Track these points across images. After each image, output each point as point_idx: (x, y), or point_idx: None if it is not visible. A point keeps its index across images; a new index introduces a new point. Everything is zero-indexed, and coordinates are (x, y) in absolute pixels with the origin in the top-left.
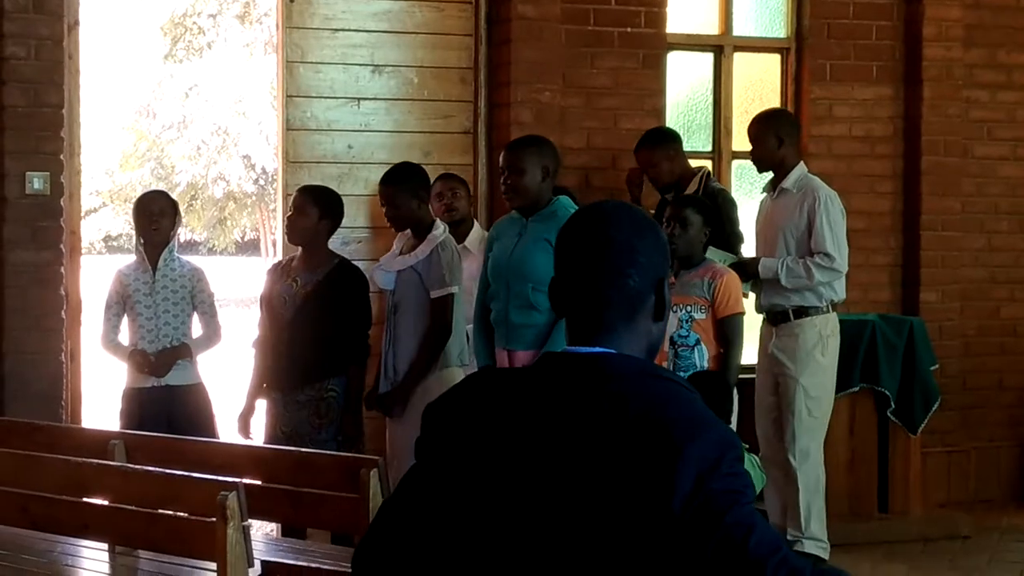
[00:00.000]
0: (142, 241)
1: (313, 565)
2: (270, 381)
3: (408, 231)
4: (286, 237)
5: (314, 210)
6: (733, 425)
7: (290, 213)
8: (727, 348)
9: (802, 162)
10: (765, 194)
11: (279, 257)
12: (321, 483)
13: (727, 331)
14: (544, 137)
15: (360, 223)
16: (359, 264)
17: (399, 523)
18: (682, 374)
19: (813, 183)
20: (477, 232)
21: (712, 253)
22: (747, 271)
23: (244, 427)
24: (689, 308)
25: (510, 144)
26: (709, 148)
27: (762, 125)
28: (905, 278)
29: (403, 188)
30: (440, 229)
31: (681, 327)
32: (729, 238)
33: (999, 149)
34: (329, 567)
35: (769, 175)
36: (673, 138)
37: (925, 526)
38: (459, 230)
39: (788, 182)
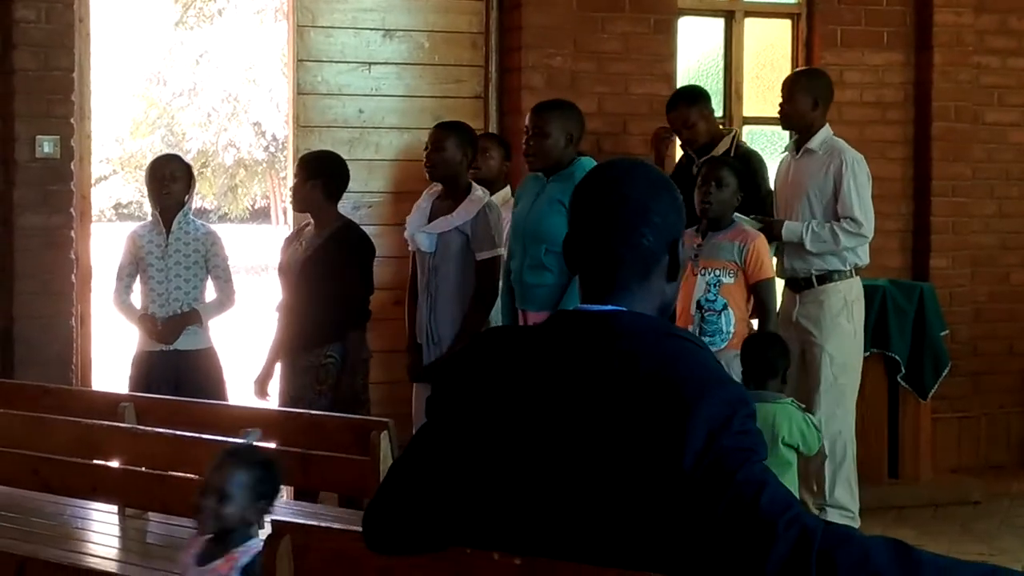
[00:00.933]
0: (155, 205)
1: (323, 525)
2: (280, 346)
3: (436, 190)
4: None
5: (302, 173)
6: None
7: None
8: (762, 313)
9: (828, 125)
10: (786, 154)
11: (289, 225)
12: (331, 445)
13: (762, 295)
14: (571, 102)
15: (372, 187)
16: (372, 228)
17: (411, 481)
18: (708, 339)
19: (839, 145)
20: (506, 195)
21: (738, 219)
22: (771, 234)
23: (261, 390)
24: (718, 272)
25: (537, 106)
26: (720, 114)
27: (801, 83)
28: (916, 244)
29: (457, 137)
30: (481, 191)
31: (709, 291)
32: (765, 199)
33: (1010, 115)
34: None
35: (783, 139)
36: (707, 97)
37: (935, 491)
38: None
39: (814, 143)
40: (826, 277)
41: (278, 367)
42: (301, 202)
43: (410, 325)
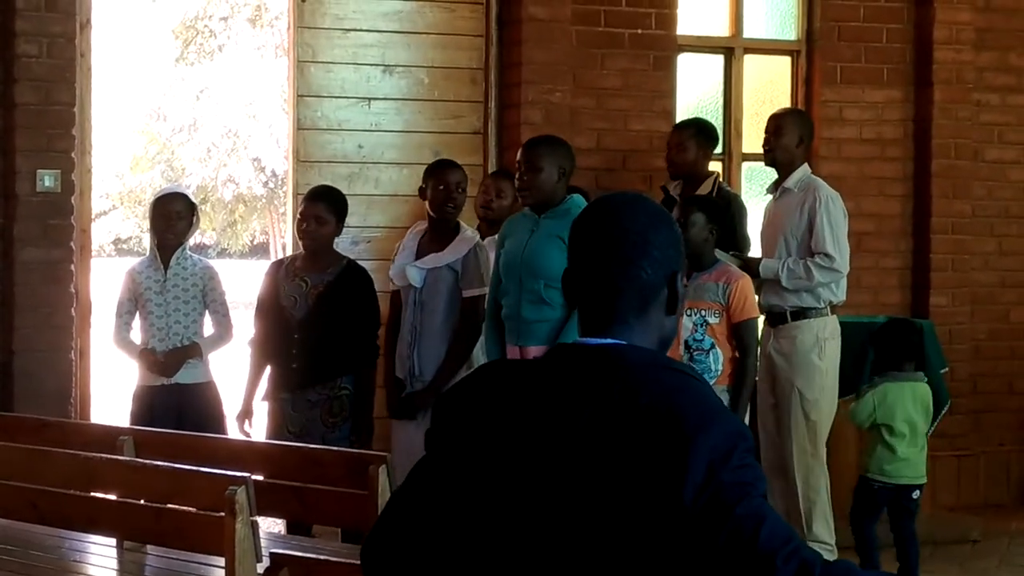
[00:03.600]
0: (156, 241)
1: (321, 557)
2: (277, 382)
3: (421, 229)
4: (302, 243)
5: (332, 218)
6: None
7: (303, 222)
8: (743, 353)
9: (806, 163)
10: (769, 196)
11: None
12: (329, 479)
13: (744, 335)
14: (561, 138)
15: (371, 222)
16: (370, 263)
17: (408, 514)
18: None
19: (815, 183)
20: None
21: (719, 255)
22: (749, 271)
23: (242, 428)
24: (703, 312)
25: (528, 142)
26: (719, 150)
27: (789, 120)
28: (915, 281)
29: (463, 177)
30: (471, 231)
31: (696, 331)
32: (739, 241)
33: (1010, 152)
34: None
35: (771, 176)
36: (713, 137)
37: (935, 529)
38: (494, 230)
39: (791, 182)
40: (800, 313)
41: (260, 405)
42: (321, 243)
43: (388, 361)
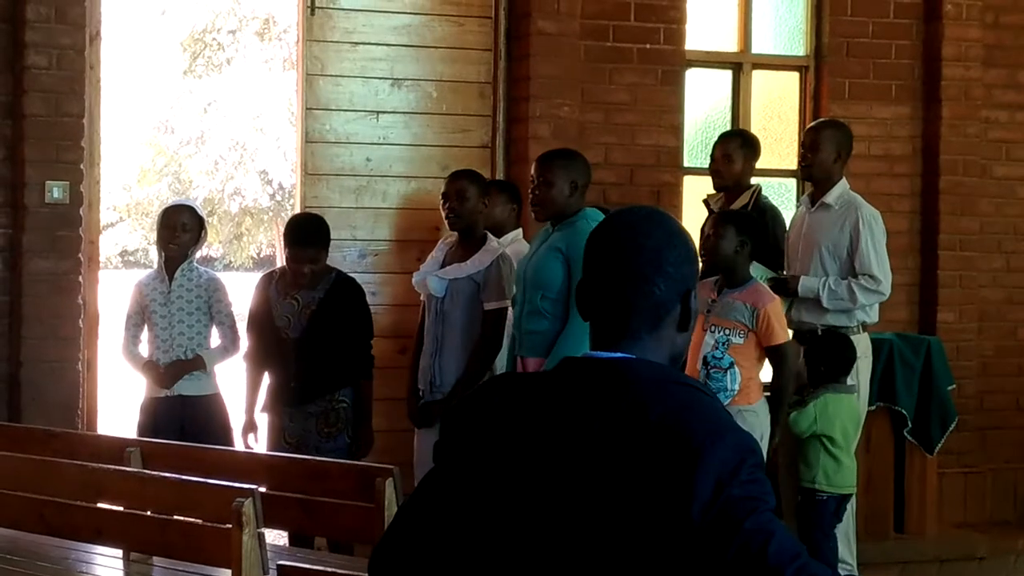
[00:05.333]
0: (162, 252)
1: (328, 569)
2: (276, 396)
3: (452, 240)
4: (294, 280)
5: (323, 255)
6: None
7: (300, 266)
8: (777, 376)
9: (845, 179)
10: (801, 207)
11: None
12: (336, 492)
13: (776, 360)
14: (577, 151)
15: (378, 236)
16: (377, 276)
17: (417, 526)
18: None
19: (856, 200)
20: (516, 236)
21: (754, 268)
22: (787, 289)
23: (246, 442)
24: (728, 331)
25: (542, 155)
26: None
27: (827, 134)
28: (923, 297)
29: (478, 187)
30: (496, 243)
31: (716, 348)
32: (775, 255)
33: (1018, 169)
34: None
35: (791, 190)
36: (757, 148)
37: (941, 547)
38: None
39: (831, 197)
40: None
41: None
42: (313, 275)
43: (412, 371)
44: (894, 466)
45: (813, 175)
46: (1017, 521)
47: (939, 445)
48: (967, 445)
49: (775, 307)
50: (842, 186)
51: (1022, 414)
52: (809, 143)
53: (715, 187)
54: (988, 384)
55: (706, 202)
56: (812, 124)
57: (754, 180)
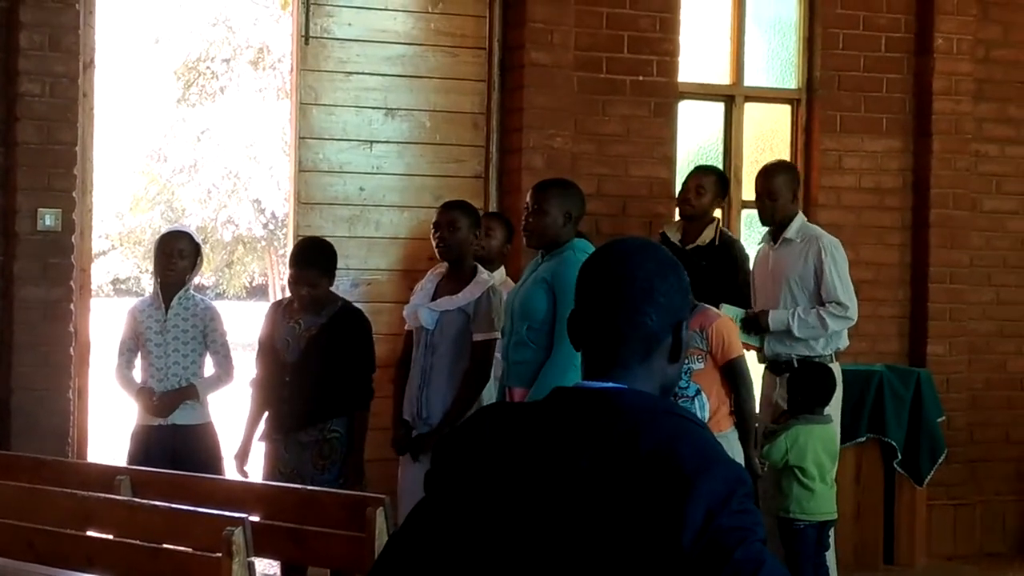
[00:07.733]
0: (158, 279)
1: None
2: (272, 423)
3: (441, 271)
4: (296, 302)
5: (324, 280)
6: None
7: (299, 288)
8: (736, 392)
9: (800, 211)
10: (763, 244)
11: None
12: (326, 521)
13: (733, 377)
14: (573, 182)
15: (371, 265)
16: (370, 306)
17: (407, 556)
18: None
19: (814, 231)
20: (501, 275)
21: (725, 309)
22: (758, 325)
23: (240, 469)
24: (686, 359)
25: (539, 183)
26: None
27: (780, 182)
28: (913, 330)
29: (470, 218)
30: (486, 274)
31: (680, 378)
32: (742, 287)
33: (1008, 203)
34: None
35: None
36: (728, 187)
37: None
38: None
39: (791, 232)
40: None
41: (258, 444)
42: (315, 302)
43: (397, 400)
44: (884, 498)
45: (775, 220)
46: (1007, 553)
47: (928, 477)
48: (957, 477)
49: (723, 323)
50: (799, 219)
51: (1012, 446)
52: (766, 193)
53: (681, 215)
54: (978, 416)
55: (663, 234)
56: (762, 169)
57: (744, 212)
